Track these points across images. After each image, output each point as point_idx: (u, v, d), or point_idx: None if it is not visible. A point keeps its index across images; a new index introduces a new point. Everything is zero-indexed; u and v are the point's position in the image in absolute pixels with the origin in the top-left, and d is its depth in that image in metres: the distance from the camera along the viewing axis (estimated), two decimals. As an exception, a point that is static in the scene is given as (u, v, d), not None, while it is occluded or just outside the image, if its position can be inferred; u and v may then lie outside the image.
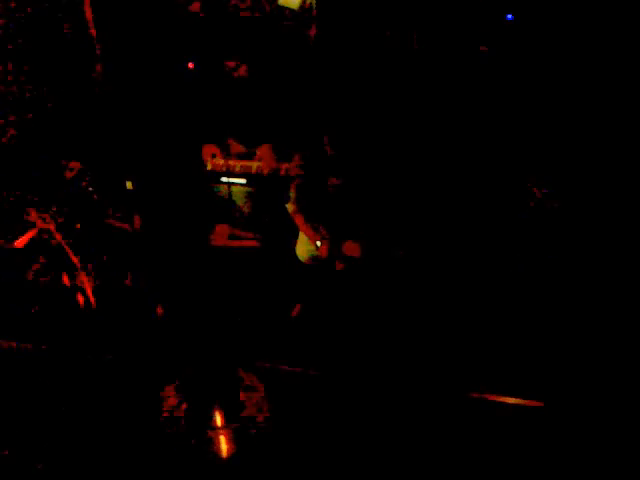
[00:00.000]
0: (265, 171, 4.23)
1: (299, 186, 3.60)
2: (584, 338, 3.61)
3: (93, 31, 4.20)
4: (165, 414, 3.39)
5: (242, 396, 3.42)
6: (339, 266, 3.59)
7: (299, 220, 3.62)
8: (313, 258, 3.72)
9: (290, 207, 3.63)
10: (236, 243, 3.63)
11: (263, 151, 4.35)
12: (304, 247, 3.74)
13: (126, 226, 3.98)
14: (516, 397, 3.33)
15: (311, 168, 3.65)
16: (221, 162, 4.23)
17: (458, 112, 4.45)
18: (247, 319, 3.60)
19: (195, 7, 4.63)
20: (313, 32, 4.41)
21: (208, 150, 4.29)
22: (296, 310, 3.79)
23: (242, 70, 4.48)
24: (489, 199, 4.33)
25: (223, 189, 4.14)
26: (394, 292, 3.90)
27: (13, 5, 4.20)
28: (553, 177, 4.32)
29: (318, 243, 3.56)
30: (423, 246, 4.16)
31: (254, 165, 4.27)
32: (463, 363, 3.56)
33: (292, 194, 3.59)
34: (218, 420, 3.36)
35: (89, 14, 4.05)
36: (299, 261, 3.74)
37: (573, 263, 4.01)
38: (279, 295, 3.76)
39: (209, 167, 4.22)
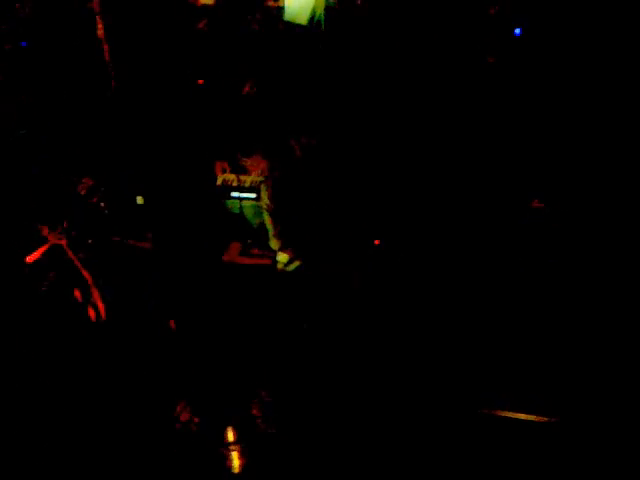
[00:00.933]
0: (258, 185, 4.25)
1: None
2: (592, 352, 3.59)
3: (106, 47, 4.26)
4: (177, 429, 3.40)
5: (254, 411, 3.42)
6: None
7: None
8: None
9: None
10: (247, 261, 3.63)
11: (263, 166, 4.38)
12: (284, 257, 3.71)
13: (139, 244, 4.01)
14: (526, 413, 3.31)
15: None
16: (232, 177, 4.26)
17: (460, 118, 4.49)
18: (258, 335, 3.61)
19: (202, 24, 4.70)
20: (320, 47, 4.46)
21: (219, 165, 4.32)
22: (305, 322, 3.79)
23: (249, 86, 4.53)
24: (490, 208, 4.35)
25: (234, 204, 4.16)
26: (400, 305, 3.90)
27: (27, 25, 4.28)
28: (556, 187, 4.33)
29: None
30: (425, 257, 4.16)
31: (257, 180, 4.29)
32: (471, 379, 3.55)
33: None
34: (230, 436, 3.36)
35: (101, 32, 4.11)
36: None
37: (581, 273, 4.00)
38: (288, 311, 3.77)
39: (220, 182, 4.25)
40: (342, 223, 3.65)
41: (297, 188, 3.57)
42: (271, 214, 3.52)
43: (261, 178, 4.24)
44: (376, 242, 3.92)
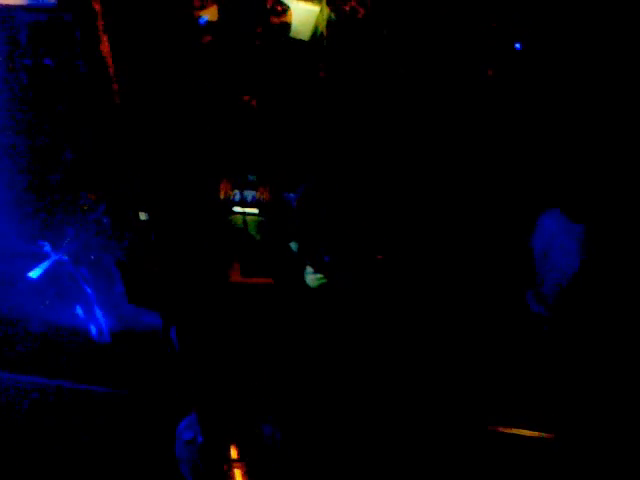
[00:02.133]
0: (263, 200, 4.27)
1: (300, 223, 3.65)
2: (594, 369, 3.57)
3: (110, 62, 4.27)
4: (180, 447, 3.37)
5: (258, 430, 3.39)
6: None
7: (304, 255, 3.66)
8: (321, 285, 3.73)
9: (294, 245, 3.68)
10: (249, 280, 3.62)
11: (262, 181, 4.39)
12: (311, 275, 3.75)
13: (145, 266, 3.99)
14: (530, 430, 3.29)
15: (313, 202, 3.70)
16: (234, 192, 4.26)
17: (463, 132, 4.51)
18: (264, 354, 3.61)
19: (207, 39, 4.72)
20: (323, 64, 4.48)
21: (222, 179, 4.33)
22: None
23: (252, 102, 4.54)
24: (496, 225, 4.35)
25: (237, 220, 4.16)
26: (408, 323, 3.89)
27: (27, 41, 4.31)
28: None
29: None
30: (433, 272, 4.16)
31: (257, 194, 4.30)
32: (474, 395, 3.53)
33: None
34: (233, 453, 3.33)
35: (106, 48, 4.12)
36: (310, 289, 3.75)
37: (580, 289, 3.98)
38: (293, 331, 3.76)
39: (222, 197, 4.24)
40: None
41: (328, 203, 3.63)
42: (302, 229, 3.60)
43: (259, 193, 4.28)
44: (379, 257, 3.93)
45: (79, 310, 4.19)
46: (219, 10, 4.54)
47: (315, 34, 4.56)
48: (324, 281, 3.66)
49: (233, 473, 3.25)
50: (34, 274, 4.08)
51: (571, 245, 3.32)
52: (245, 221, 4.04)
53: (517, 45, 4.48)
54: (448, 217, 4.35)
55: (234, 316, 3.47)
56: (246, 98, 4.70)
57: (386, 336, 3.80)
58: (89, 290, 4.14)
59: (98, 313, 4.16)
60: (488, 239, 4.24)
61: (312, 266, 3.64)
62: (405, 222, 4.20)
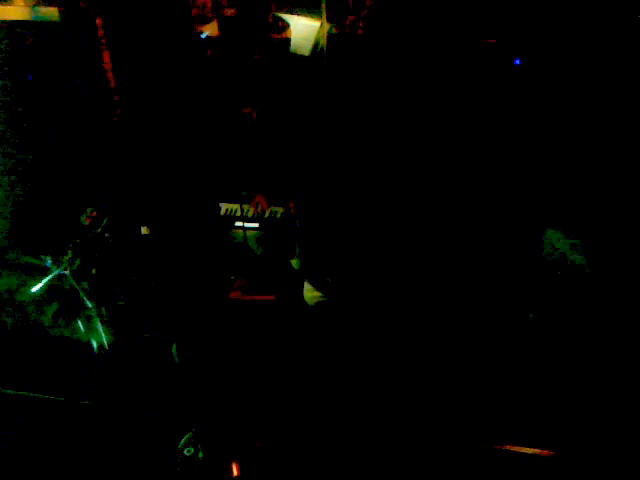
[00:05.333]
0: (264, 215, 4.30)
1: (302, 240, 3.65)
2: (597, 385, 3.58)
3: (111, 76, 4.30)
4: (181, 463, 3.38)
5: (259, 446, 3.40)
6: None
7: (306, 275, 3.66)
8: (320, 304, 3.73)
9: (295, 263, 3.68)
10: (250, 297, 3.63)
11: (260, 197, 4.42)
12: (310, 294, 3.75)
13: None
14: (532, 447, 3.29)
15: (314, 219, 3.70)
16: (235, 206, 4.29)
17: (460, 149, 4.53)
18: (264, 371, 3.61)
19: (208, 54, 4.75)
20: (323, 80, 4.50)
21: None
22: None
23: (253, 116, 4.57)
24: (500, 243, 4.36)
25: (237, 234, 4.18)
26: (409, 341, 3.90)
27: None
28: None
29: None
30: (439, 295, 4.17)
31: (252, 209, 4.33)
32: (473, 412, 3.53)
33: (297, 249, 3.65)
34: (234, 470, 3.33)
35: (108, 63, 4.16)
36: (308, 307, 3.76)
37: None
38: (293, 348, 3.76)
39: (223, 212, 4.27)
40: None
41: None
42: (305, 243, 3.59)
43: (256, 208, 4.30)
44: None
45: (80, 324, 4.20)
46: (219, 26, 4.57)
47: (315, 49, 4.59)
48: (323, 299, 3.66)
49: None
50: (35, 288, 4.09)
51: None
52: (245, 236, 4.06)
53: (517, 61, 4.50)
54: (444, 240, 4.38)
55: (235, 332, 3.49)
56: (246, 110, 4.72)
57: (383, 354, 3.80)
58: (90, 304, 4.14)
59: (99, 327, 4.16)
60: (489, 259, 4.26)
61: (312, 284, 3.64)
62: (403, 243, 4.21)
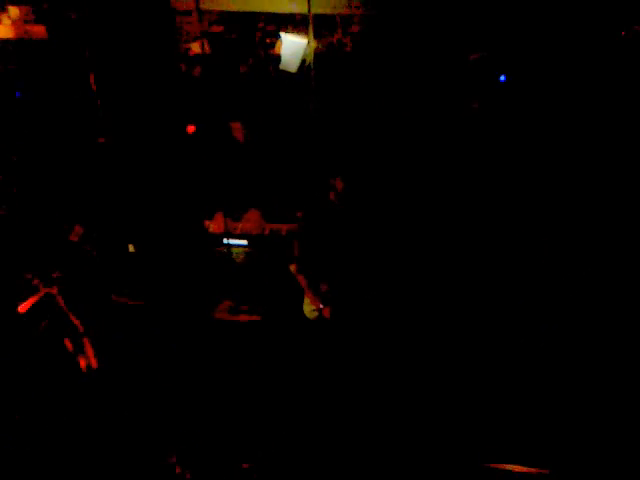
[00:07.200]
0: (253, 232, 4.30)
1: (301, 245, 3.63)
2: (587, 402, 3.59)
3: (97, 98, 4.31)
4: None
5: (246, 467, 3.39)
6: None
7: (302, 281, 3.64)
8: (319, 317, 3.73)
9: (292, 267, 3.66)
10: (237, 317, 3.61)
11: (251, 214, 4.43)
12: (310, 306, 3.75)
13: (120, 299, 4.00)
14: (522, 465, 3.29)
15: (313, 227, 3.69)
16: (222, 224, 4.29)
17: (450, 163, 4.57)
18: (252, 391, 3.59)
19: (197, 72, 4.77)
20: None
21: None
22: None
23: (239, 133, 4.59)
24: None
25: (224, 253, 4.18)
26: (407, 356, 3.91)
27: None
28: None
29: (320, 306, 3.59)
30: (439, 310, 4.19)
31: (239, 226, 4.34)
32: (467, 431, 3.53)
33: (294, 254, 3.63)
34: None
35: (94, 85, 4.16)
36: (307, 320, 3.75)
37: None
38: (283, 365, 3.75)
39: (210, 229, 4.27)
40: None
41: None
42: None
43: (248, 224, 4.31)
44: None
45: (68, 343, 4.17)
46: (208, 43, 4.59)
47: (303, 66, 4.61)
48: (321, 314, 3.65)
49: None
50: (22, 307, 4.06)
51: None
52: (231, 254, 4.05)
53: (502, 77, 4.54)
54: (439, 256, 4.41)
55: (220, 353, 3.48)
56: (235, 126, 4.74)
57: (379, 370, 3.80)
58: (78, 322, 4.12)
59: (87, 346, 4.14)
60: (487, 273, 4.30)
61: (310, 289, 3.61)
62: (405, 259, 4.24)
